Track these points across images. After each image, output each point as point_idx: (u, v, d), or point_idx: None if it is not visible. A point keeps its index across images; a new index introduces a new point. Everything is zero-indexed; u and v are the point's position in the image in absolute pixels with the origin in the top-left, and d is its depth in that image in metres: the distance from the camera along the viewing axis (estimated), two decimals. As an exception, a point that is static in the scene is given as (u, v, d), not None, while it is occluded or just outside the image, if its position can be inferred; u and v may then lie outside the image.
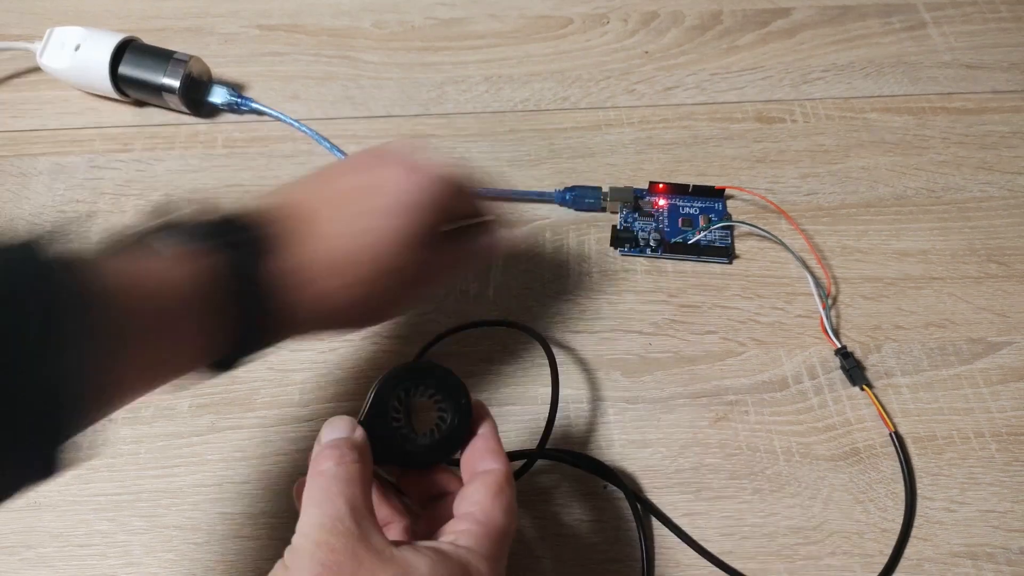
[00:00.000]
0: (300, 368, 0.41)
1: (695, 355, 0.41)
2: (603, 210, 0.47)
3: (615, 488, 0.37)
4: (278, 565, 0.24)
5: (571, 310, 0.43)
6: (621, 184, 0.47)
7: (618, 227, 0.46)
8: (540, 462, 0.38)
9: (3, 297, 0.21)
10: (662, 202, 0.47)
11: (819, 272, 0.44)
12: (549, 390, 0.39)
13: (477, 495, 0.27)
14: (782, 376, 0.41)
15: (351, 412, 0.29)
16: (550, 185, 0.48)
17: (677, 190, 0.47)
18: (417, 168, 0.32)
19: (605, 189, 0.47)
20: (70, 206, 0.47)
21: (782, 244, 0.45)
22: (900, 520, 0.36)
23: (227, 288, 0.26)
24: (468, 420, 0.29)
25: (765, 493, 0.37)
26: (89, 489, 0.37)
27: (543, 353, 0.40)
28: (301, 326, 0.29)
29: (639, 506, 0.36)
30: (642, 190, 0.47)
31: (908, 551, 0.36)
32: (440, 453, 0.29)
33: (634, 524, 0.36)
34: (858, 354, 0.41)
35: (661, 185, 0.47)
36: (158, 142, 0.50)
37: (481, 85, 0.53)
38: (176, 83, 0.49)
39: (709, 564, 0.35)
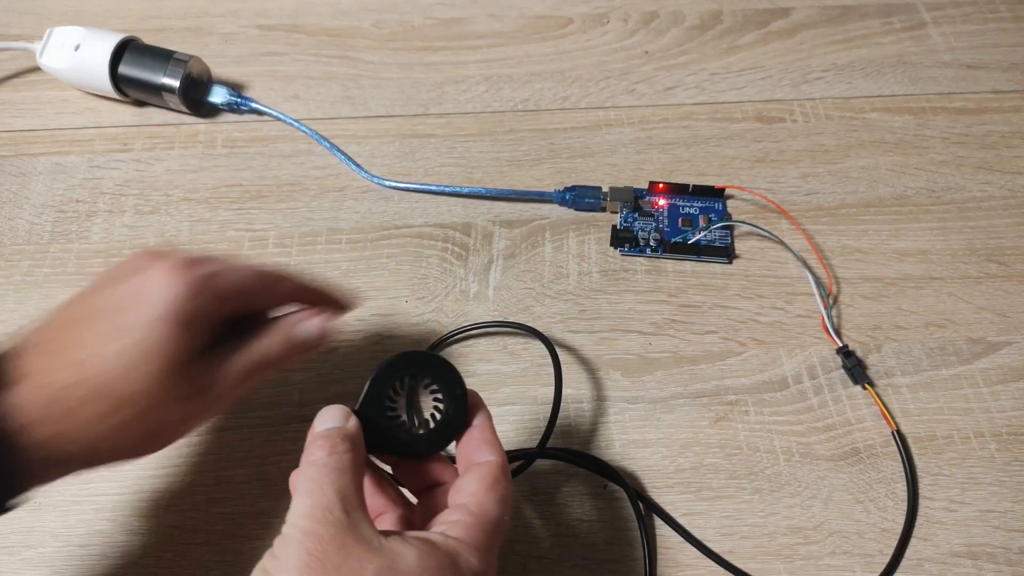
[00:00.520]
0: (300, 368, 0.41)
1: (695, 355, 0.41)
2: (603, 210, 0.47)
3: (616, 487, 0.37)
4: (267, 554, 0.24)
5: (571, 310, 0.43)
6: (621, 184, 0.47)
7: (618, 227, 0.46)
8: (541, 461, 0.38)
9: None
10: (662, 202, 0.47)
11: (820, 271, 0.44)
12: (549, 390, 0.39)
13: (471, 486, 0.27)
14: (782, 376, 0.41)
15: (351, 412, 0.29)
16: (550, 185, 0.48)
17: (677, 190, 0.47)
18: (184, 264, 0.27)
19: (605, 189, 0.47)
20: (70, 206, 0.47)
21: (782, 244, 0.45)
22: (900, 520, 0.36)
23: None
24: (464, 411, 0.29)
25: (765, 493, 0.37)
26: (89, 489, 0.37)
27: (543, 353, 0.40)
28: (43, 472, 0.26)
29: (641, 505, 0.36)
30: (642, 190, 0.47)
31: (908, 551, 0.36)
32: (435, 443, 0.29)
33: (634, 523, 0.36)
34: (858, 354, 0.41)
35: (661, 185, 0.47)
36: (158, 142, 0.50)
37: (481, 85, 0.53)
38: (176, 83, 0.49)
39: (711, 564, 0.35)
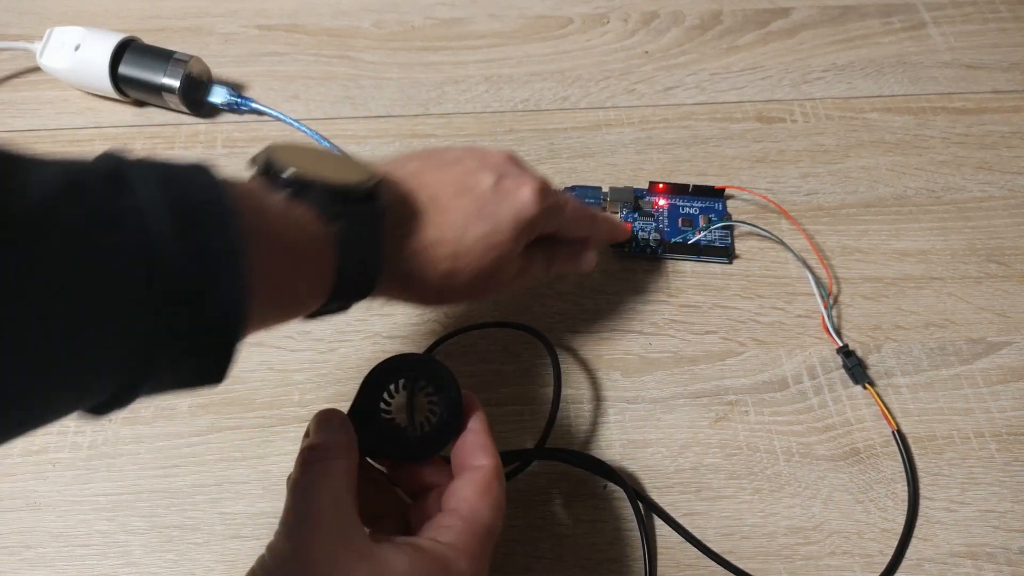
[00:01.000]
0: (300, 368, 0.41)
1: (695, 355, 0.41)
2: (603, 210, 0.47)
3: (616, 487, 0.37)
4: (257, 561, 0.24)
5: (571, 310, 0.43)
6: (621, 184, 0.47)
7: (618, 227, 0.46)
8: (541, 461, 0.38)
9: (197, 205, 0.21)
10: (662, 202, 0.47)
11: (820, 271, 0.44)
12: (548, 389, 0.39)
13: (464, 491, 0.27)
14: (782, 376, 0.41)
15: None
16: (550, 185, 0.48)
17: (677, 190, 0.47)
18: (544, 192, 0.33)
19: (605, 189, 0.47)
20: (70, 206, 0.47)
21: (783, 244, 0.45)
22: (900, 520, 0.36)
23: (348, 251, 0.27)
24: (459, 413, 0.29)
25: (765, 493, 0.37)
26: (89, 489, 0.37)
27: (543, 352, 0.40)
28: (388, 294, 0.31)
29: (640, 505, 0.36)
30: (642, 190, 0.47)
31: (908, 551, 0.36)
32: (431, 446, 0.29)
33: (634, 523, 0.36)
34: (858, 354, 0.41)
35: (661, 185, 0.47)
36: (158, 142, 0.50)
37: (481, 85, 0.53)
38: (176, 83, 0.49)
39: (711, 564, 0.35)
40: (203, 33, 0.56)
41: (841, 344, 0.41)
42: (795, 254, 0.44)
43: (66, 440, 0.38)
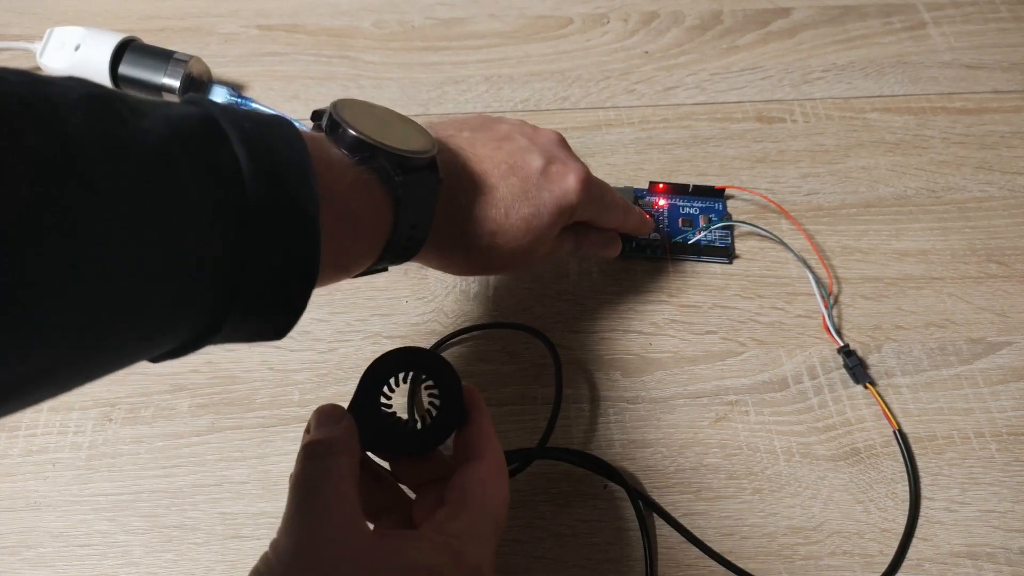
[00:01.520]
0: (300, 368, 0.41)
1: (695, 355, 0.41)
2: (603, 210, 0.47)
3: (616, 487, 0.37)
4: (261, 558, 0.24)
5: (571, 310, 0.43)
6: (621, 184, 0.47)
7: (618, 227, 0.46)
8: (541, 461, 0.38)
9: (283, 164, 0.22)
10: (662, 202, 0.47)
11: (820, 271, 0.44)
12: (548, 390, 0.39)
13: (469, 482, 0.27)
14: (782, 376, 0.41)
15: (351, 412, 0.29)
16: (550, 185, 0.48)
17: (677, 190, 0.47)
18: (588, 182, 0.34)
19: (605, 189, 0.47)
20: (70, 206, 0.47)
21: (783, 244, 0.45)
22: (900, 520, 0.36)
23: (403, 217, 0.28)
24: (460, 405, 0.29)
25: (765, 493, 0.37)
26: (89, 489, 0.37)
27: (543, 353, 0.40)
28: (424, 260, 0.32)
29: (641, 504, 0.36)
30: (642, 190, 0.47)
31: (909, 551, 0.36)
32: (432, 440, 0.29)
33: (634, 523, 0.36)
34: (859, 354, 0.41)
35: (661, 185, 0.47)
36: (158, 142, 0.50)
37: (481, 85, 0.53)
38: (176, 83, 0.49)
39: (711, 564, 0.35)
40: (203, 33, 0.56)
41: (842, 344, 0.41)
42: (795, 254, 0.44)
43: (66, 440, 0.38)
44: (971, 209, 0.47)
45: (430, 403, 0.29)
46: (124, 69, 0.49)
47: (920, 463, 0.38)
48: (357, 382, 0.29)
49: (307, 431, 0.28)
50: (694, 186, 0.47)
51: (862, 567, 0.35)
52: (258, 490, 0.37)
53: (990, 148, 0.50)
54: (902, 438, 0.38)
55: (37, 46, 0.50)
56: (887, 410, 0.39)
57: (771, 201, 0.47)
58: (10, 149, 0.16)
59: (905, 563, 0.35)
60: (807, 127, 0.51)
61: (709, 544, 0.36)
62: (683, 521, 0.36)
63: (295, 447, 0.35)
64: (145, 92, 0.50)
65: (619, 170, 0.49)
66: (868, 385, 0.40)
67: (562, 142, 0.36)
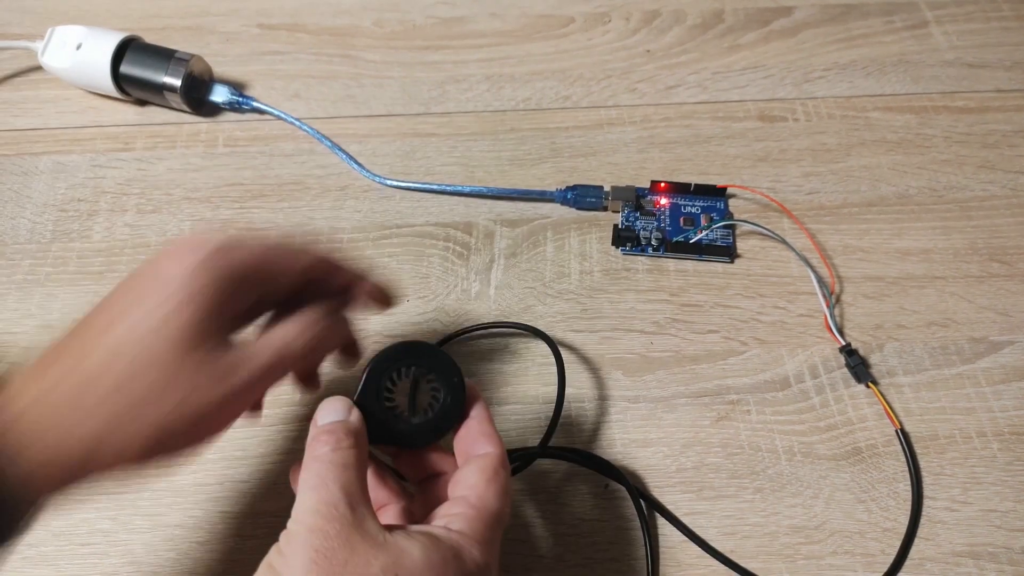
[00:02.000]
0: (301, 367, 0.41)
1: (697, 354, 0.41)
2: (605, 209, 0.47)
3: (617, 486, 0.37)
4: (272, 550, 0.24)
5: (573, 309, 0.43)
6: (623, 183, 0.47)
7: (620, 226, 0.46)
8: (543, 460, 0.38)
9: None
10: (664, 201, 0.47)
11: (822, 270, 0.44)
12: (550, 389, 0.39)
13: (471, 479, 0.27)
14: (784, 375, 0.41)
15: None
16: (552, 184, 0.48)
17: (679, 189, 0.47)
18: (196, 245, 0.26)
19: (607, 188, 0.47)
20: (71, 205, 0.47)
21: (784, 243, 0.45)
22: (902, 520, 0.36)
23: None
24: (462, 399, 0.29)
25: (767, 492, 0.37)
26: (90, 488, 0.37)
27: (545, 352, 0.40)
28: (44, 478, 0.24)
29: (643, 504, 0.36)
30: (644, 189, 0.47)
31: (910, 551, 0.36)
32: (434, 433, 0.29)
33: (635, 523, 0.36)
34: (860, 353, 0.41)
35: (663, 184, 0.47)
36: (159, 141, 0.50)
37: (482, 84, 0.53)
38: (177, 82, 0.49)
39: (713, 563, 0.35)
40: (204, 32, 0.56)
41: (844, 343, 0.41)
42: (797, 253, 0.44)
43: (68, 439, 0.38)
44: (973, 208, 0.47)
45: (432, 396, 0.29)
46: (125, 68, 0.49)
47: (922, 462, 0.38)
48: (360, 375, 0.29)
49: (314, 423, 0.27)
50: (696, 185, 0.47)
51: (864, 566, 0.35)
52: (259, 490, 0.37)
53: (992, 147, 0.50)
54: (904, 437, 0.38)
55: (38, 45, 0.50)
56: (889, 409, 0.39)
57: (773, 200, 0.47)
58: None
59: (907, 562, 0.35)
60: (809, 126, 0.51)
61: (711, 543, 0.36)
62: (684, 520, 0.36)
63: (295, 446, 0.35)
64: (147, 90, 0.50)
65: (621, 169, 0.49)
66: (870, 384, 0.40)
67: (196, 234, 0.28)
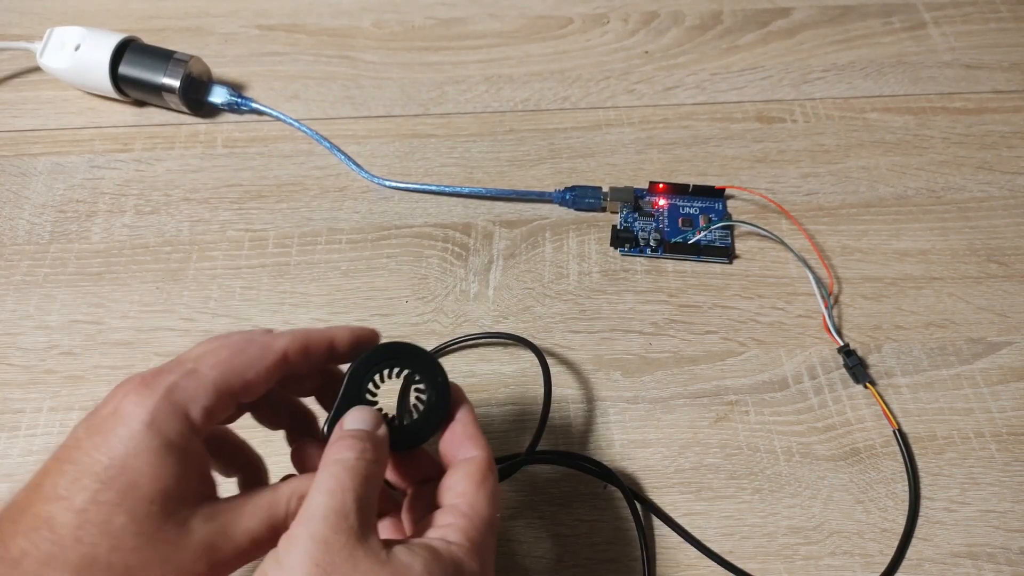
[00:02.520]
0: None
1: (695, 355, 0.41)
2: (603, 210, 0.47)
3: (614, 488, 0.37)
4: (269, 557, 0.23)
5: (571, 310, 0.43)
6: (621, 184, 0.47)
7: (618, 227, 0.46)
8: (530, 464, 0.38)
9: None
10: (662, 202, 0.47)
11: (821, 271, 0.44)
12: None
13: (460, 485, 0.27)
14: (782, 376, 0.41)
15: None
16: (550, 185, 0.48)
17: (677, 190, 0.47)
18: (153, 377, 0.24)
19: (605, 189, 0.47)
20: (70, 206, 0.47)
21: (783, 244, 0.45)
22: (900, 520, 0.36)
23: None
24: (447, 398, 0.29)
25: (765, 493, 0.37)
26: None
27: (531, 350, 0.40)
28: None
29: (639, 506, 0.36)
30: (642, 190, 0.47)
31: (908, 551, 0.36)
32: (421, 434, 0.28)
33: (633, 524, 0.36)
34: (859, 354, 0.41)
35: (661, 185, 0.47)
36: (158, 142, 0.50)
37: (481, 85, 0.53)
38: (176, 83, 0.49)
39: (710, 564, 0.35)
40: (203, 33, 0.56)
41: (842, 344, 0.41)
42: (795, 254, 0.44)
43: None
44: (971, 209, 0.47)
45: (417, 398, 0.29)
46: (124, 69, 0.49)
47: (920, 463, 0.38)
48: (343, 377, 0.29)
49: (339, 426, 0.26)
50: (694, 186, 0.47)
51: (862, 567, 0.35)
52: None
53: (990, 148, 0.50)
54: (902, 438, 0.38)
55: (37, 46, 0.50)
56: (887, 410, 0.39)
57: (771, 201, 0.47)
58: None
59: (905, 563, 0.35)
60: (807, 127, 0.51)
61: (709, 544, 0.36)
62: (683, 521, 0.36)
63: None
64: (145, 91, 0.50)
65: (619, 170, 0.49)
66: (868, 385, 0.40)
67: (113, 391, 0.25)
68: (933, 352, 0.41)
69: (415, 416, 0.29)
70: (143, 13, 0.57)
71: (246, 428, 0.30)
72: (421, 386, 0.29)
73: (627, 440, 0.39)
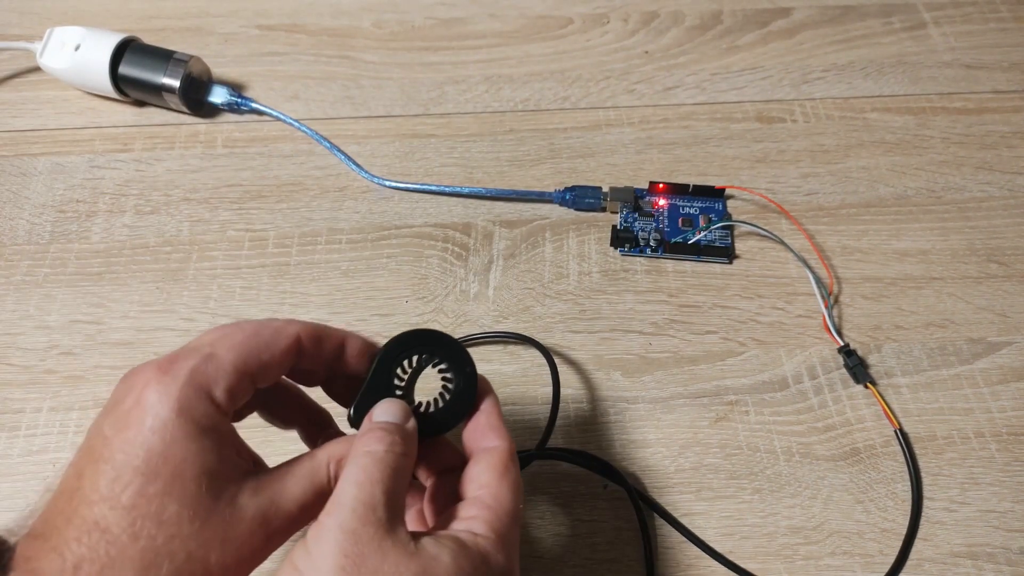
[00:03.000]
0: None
1: (695, 355, 0.41)
2: (603, 210, 0.47)
3: (616, 487, 0.37)
4: (298, 546, 0.23)
5: (571, 310, 0.43)
6: (621, 184, 0.47)
7: (618, 227, 0.46)
8: (541, 461, 0.38)
9: None
10: (662, 202, 0.47)
11: (821, 270, 0.44)
12: (549, 390, 0.39)
13: (484, 476, 0.27)
14: (782, 376, 0.41)
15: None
16: (550, 185, 0.48)
17: (677, 190, 0.47)
18: (165, 366, 0.24)
19: (605, 189, 0.47)
20: (70, 206, 0.47)
21: (783, 244, 0.45)
22: (900, 520, 0.36)
23: None
24: (474, 387, 0.28)
25: (765, 493, 0.37)
26: None
27: (539, 351, 0.40)
28: None
29: (641, 504, 0.36)
30: (642, 190, 0.47)
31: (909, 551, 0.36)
32: (445, 423, 0.28)
33: (634, 523, 0.36)
34: (859, 354, 0.41)
35: (661, 185, 0.47)
36: (158, 142, 0.50)
37: (481, 85, 0.53)
38: (176, 83, 0.49)
39: (711, 563, 0.35)
40: (203, 33, 0.56)
41: (842, 343, 0.41)
42: (795, 254, 0.44)
43: (66, 440, 0.38)
44: (971, 209, 0.47)
45: (444, 386, 0.29)
46: (124, 69, 0.49)
47: (920, 463, 0.38)
48: (371, 360, 0.29)
49: (368, 418, 0.26)
50: (694, 186, 0.47)
51: (862, 567, 0.35)
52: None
53: (990, 148, 0.50)
54: (903, 438, 0.38)
55: (37, 46, 0.50)
56: (888, 410, 0.39)
57: (771, 201, 0.47)
58: None
59: (906, 563, 0.35)
60: (807, 127, 0.51)
61: (709, 544, 0.36)
62: (683, 521, 0.36)
63: (295, 447, 0.35)
64: (145, 91, 0.50)
65: (619, 170, 0.49)
66: (869, 385, 0.40)
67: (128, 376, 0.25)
68: (933, 352, 0.41)
69: (440, 404, 0.28)
70: (143, 13, 0.57)
71: (248, 428, 0.30)
72: (448, 375, 0.29)
73: (627, 440, 0.39)
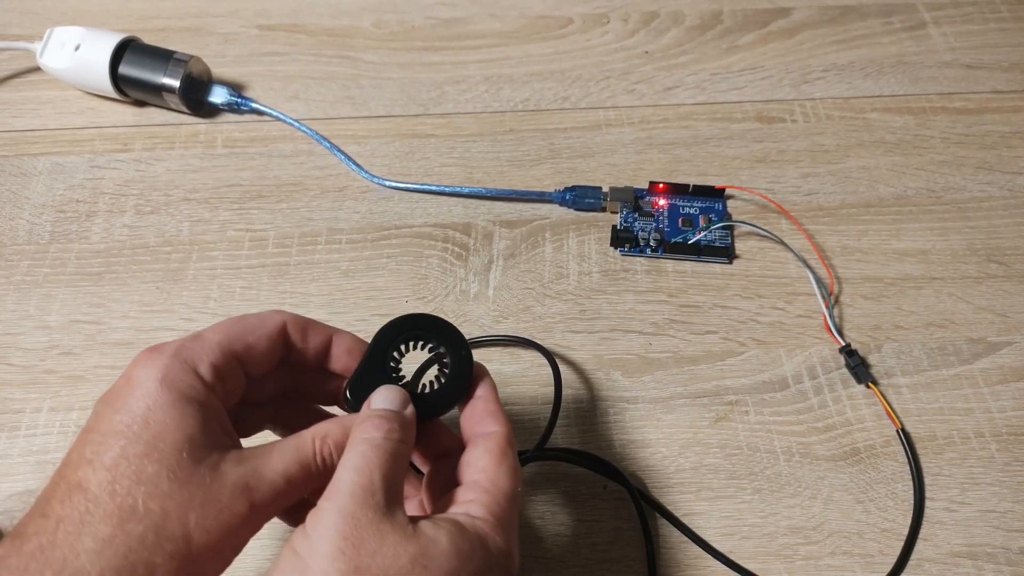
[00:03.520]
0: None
1: (695, 355, 0.41)
2: (603, 210, 0.47)
3: (617, 487, 0.37)
4: (297, 532, 0.23)
5: (571, 310, 0.43)
6: (621, 184, 0.47)
7: (618, 227, 0.46)
8: (541, 461, 0.38)
9: None
10: (662, 202, 0.47)
11: (821, 270, 0.44)
12: (549, 390, 0.39)
13: (481, 461, 0.27)
14: (782, 376, 0.41)
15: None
16: (550, 185, 0.48)
17: (677, 190, 0.47)
18: (160, 345, 0.26)
19: (605, 189, 0.47)
20: (70, 206, 0.47)
21: (783, 244, 0.45)
22: (900, 520, 0.36)
23: None
24: (470, 371, 0.29)
25: (765, 493, 0.37)
26: None
27: (542, 354, 0.40)
28: None
29: (643, 504, 0.36)
30: (642, 190, 0.47)
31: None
32: (440, 406, 0.28)
33: (635, 523, 0.36)
34: (859, 354, 0.41)
35: (661, 185, 0.47)
36: (158, 142, 0.50)
37: (481, 85, 0.53)
38: (176, 83, 0.49)
39: (712, 563, 0.35)
40: (203, 33, 0.56)
41: (843, 343, 0.41)
42: (795, 254, 0.44)
43: (66, 440, 0.38)
44: (971, 209, 0.47)
45: (440, 371, 0.29)
46: (124, 69, 0.49)
47: (920, 463, 0.38)
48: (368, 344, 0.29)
49: (367, 405, 0.27)
50: (694, 186, 0.47)
51: (862, 567, 0.35)
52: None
53: (990, 148, 0.50)
54: (905, 437, 0.38)
55: (37, 46, 0.50)
56: (890, 410, 0.39)
57: (771, 201, 0.47)
58: None
59: (907, 564, 0.35)
60: (807, 127, 0.51)
61: (710, 544, 0.36)
62: (683, 521, 0.36)
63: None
64: (145, 91, 0.50)
65: (619, 170, 0.49)
66: (870, 384, 0.40)
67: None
68: (933, 352, 0.41)
69: (436, 387, 0.28)
70: (143, 13, 0.57)
71: (255, 437, 0.30)
72: (445, 359, 0.29)
73: (627, 440, 0.39)
